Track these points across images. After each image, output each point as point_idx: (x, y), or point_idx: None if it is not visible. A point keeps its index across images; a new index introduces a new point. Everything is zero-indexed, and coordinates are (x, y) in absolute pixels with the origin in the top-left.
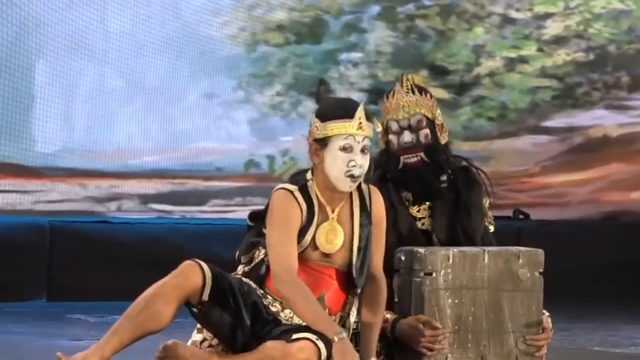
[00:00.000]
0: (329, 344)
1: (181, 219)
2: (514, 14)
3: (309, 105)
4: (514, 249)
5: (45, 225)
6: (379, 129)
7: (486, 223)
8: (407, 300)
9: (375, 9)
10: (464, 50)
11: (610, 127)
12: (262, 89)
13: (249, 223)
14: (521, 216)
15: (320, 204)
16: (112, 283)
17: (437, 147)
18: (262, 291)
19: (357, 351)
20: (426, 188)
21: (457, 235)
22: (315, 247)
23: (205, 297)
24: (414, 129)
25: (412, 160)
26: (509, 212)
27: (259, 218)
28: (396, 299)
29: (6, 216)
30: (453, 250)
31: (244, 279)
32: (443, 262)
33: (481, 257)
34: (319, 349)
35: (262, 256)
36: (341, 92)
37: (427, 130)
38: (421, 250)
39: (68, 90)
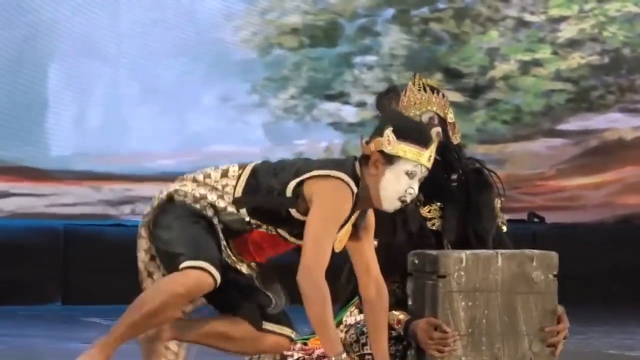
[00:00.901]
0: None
1: None
2: (528, 17)
3: (323, 109)
4: (528, 251)
5: (59, 229)
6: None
7: (499, 223)
8: (420, 303)
9: (390, 12)
10: (479, 54)
11: (625, 130)
12: (276, 92)
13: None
14: (536, 219)
15: (354, 210)
16: (126, 286)
17: (448, 146)
18: (224, 243)
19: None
20: (437, 186)
21: (468, 236)
22: None
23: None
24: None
25: None
26: (523, 216)
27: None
28: (410, 302)
29: (21, 220)
30: (466, 253)
31: (217, 223)
32: (456, 265)
33: (495, 260)
34: (293, 341)
35: (246, 219)
36: (355, 96)
37: (439, 129)
38: (434, 252)
39: (82, 93)
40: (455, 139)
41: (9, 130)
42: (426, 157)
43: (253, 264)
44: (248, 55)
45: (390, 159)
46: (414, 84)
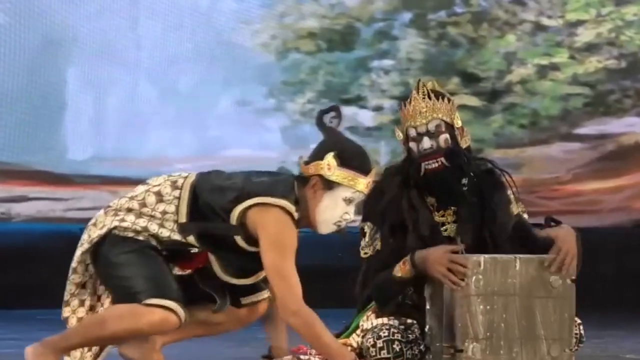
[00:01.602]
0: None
1: None
2: (545, 21)
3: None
4: (546, 255)
5: (76, 233)
6: (400, 136)
7: (520, 211)
8: (438, 307)
9: (407, 16)
10: (496, 58)
11: None
12: (293, 96)
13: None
14: (553, 224)
15: None
16: None
17: (457, 151)
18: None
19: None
20: (449, 193)
21: (484, 238)
22: None
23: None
24: (433, 135)
25: (433, 166)
26: (540, 220)
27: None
28: (428, 306)
29: (39, 224)
30: (484, 257)
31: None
32: (474, 269)
33: (513, 264)
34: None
35: (193, 242)
36: (372, 100)
37: (447, 135)
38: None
39: (100, 98)
40: (465, 142)
41: (27, 135)
42: (364, 184)
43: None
44: (266, 59)
45: (329, 185)
46: (417, 92)
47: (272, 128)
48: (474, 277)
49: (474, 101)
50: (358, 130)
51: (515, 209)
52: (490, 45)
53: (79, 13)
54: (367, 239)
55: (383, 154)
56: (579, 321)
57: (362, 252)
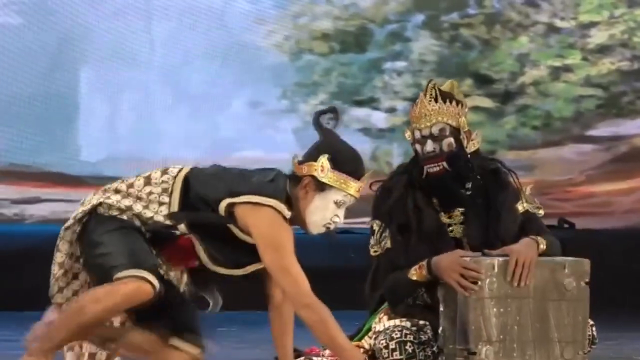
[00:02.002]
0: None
1: None
2: (558, 23)
3: (353, 114)
4: (560, 258)
5: None
6: (409, 137)
7: (533, 210)
8: (452, 309)
9: (420, 17)
10: (509, 59)
11: None
12: (306, 97)
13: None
14: (566, 225)
15: None
16: None
17: (459, 156)
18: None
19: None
20: (449, 196)
21: (491, 239)
22: None
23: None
24: (437, 138)
25: (435, 169)
26: (554, 222)
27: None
28: (441, 308)
29: (52, 225)
30: (498, 259)
31: (145, 232)
32: (488, 271)
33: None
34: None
35: (166, 221)
36: (385, 101)
37: (451, 139)
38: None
39: (113, 98)
40: (473, 146)
41: (41, 136)
42: (356, 188)
43: (183, 272)
44: (279, 60)
45: (321, 186)
46: (425, 94)
47: (284, 129)
48: (487, 280)
49: (486, 103)
50: (371, 131)
51: (522, 207)
52: (503, 46)
53: (93, 14)
54: (376, 236)
55: (396, 155)
56: (591, 322)
57: (371, 250)
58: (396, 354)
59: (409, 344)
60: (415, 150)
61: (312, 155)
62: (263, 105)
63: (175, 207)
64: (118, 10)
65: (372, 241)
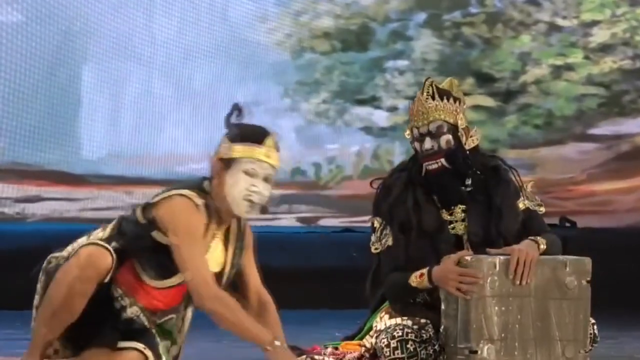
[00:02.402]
0: (157, 353)
1: None
2: (560, 22)
3: (355, 113)
4: (561, 257)
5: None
6: (408, 135)
7: (534, 207)
8: (453, 307)
9: (422, 16)
10: (510, 58)
11: None
12: (308, 96)
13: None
14: (567, 224)
15: (210, 222)
16: None
17: (457, 153)
18: (113, 285)
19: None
20: (449, 193)
21: (492, 236)
22: None
23: (107, 278)
24: (435, 135)
25: (433, 166)
26: (555, 220)
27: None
28: (443, 307)
29: (54, 223)
30: (500, 258)
31: None
32: (489, 270)
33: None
34: (146, 358)
35: (118, 246)
36: (387, 100)
37: (449, 136)
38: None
39: (115, 95)
40: (472, 142)
41: (42, 134)
42: (262, 152)
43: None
44: (281, 58)
45: (228, 164)
46: (422, 92)
47: (286, 128)
48: (489, 279)
49: (488, 101)
50: (372, 130)
51: (523, 204)
52: (504, 45)
53: (95, 9)
54: (377, 234)
55: (397, 154)
56: (592, 321)
57: (372, 248)
58: (398, 353)
59: (410, 342)
60: (415, 149)
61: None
62: (265, 104)
63: (107, 234)
64: (120, 7)
65: (373, 238)
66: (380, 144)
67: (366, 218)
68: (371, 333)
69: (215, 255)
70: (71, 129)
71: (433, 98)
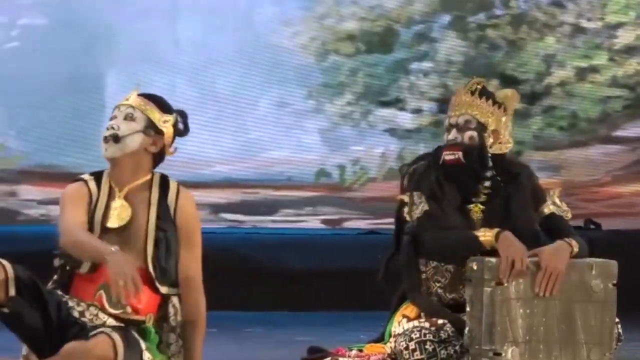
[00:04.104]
0: (124, 336)
1: (252, 229)
2: (585, 24)
3: (379, 115)
4: (587, 260)
5: None
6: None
7: (561, 213)
8: (478, 309)
9: (446, 18)
10: (535, 60)
11: None
12: (332, 98)
13: None
14: (592, 226)
15: (111, 187)
16: None
17: (474, 152)
18: (67, 296)
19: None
20: (461, 187)
21: None
22: (107, 230)
23: (12, 291)
24: (461, 128)
25: (450, 157)
26: (580, 222)
27: None
28: (468, 308)
29: None
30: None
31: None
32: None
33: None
34: (113, 340)
35: (57, 264)
36: (411, 102)
37: (474, 133)
38: (493, 259)
39: None
40: (500, 149)
41: (66, 137)
42: (123, 101)
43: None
44: (305, 61)
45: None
46: (465, 86)
47: (311, 130)
48: (513, 281)
49: None
50: (397, 132)
51: (548, 209)
52: (529, 47)
53: (119, 15)
54: (409, 206)
55: None
56: (616, 320)
57: (408, 217)
58: (417, 354)
59: (428, 343)
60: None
61: None
62: (289, 106)
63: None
64: (144, 11)
65: (406, 210)
66: (404, 146)
67: (391, 220)
68: (390, 338)
69: (116, 212)
70: (95, 132)
71: (472, 94)
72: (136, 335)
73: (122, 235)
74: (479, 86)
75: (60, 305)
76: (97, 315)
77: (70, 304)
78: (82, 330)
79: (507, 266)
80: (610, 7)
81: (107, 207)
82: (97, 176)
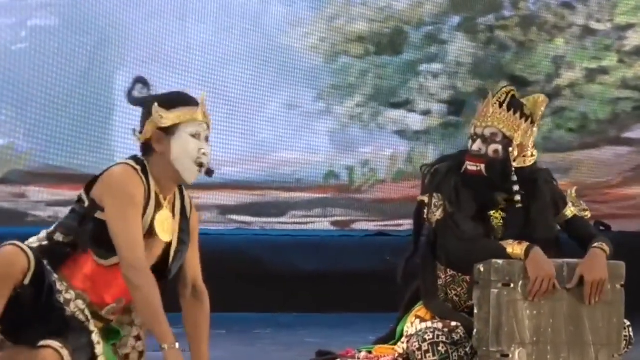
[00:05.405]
0: (75, 353)
1: (260, 231)
2: (594, 25)
3: (389, 116)
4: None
5: None
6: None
7: (580, 213)
8: (485, 311)
9: (456, 20)
10: (545, 61)
11: None
12: (342, 99)
13: (83, 196)
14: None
15: (155, 190)
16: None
17: (496, 166)
18: (56, 275)
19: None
20: (479, 198)
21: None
22: (148, 236)
23: (27, 280)
24: (486, 140)
25: (472, 168)
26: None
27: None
28: (476, 310)
29: None
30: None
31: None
32: (521, 274)
33: (561, 269)
34: (62, 357)
35: (61, 239)
36: (421, 103)
37: (499, 146)
38: (499, 261)
39: None
40: (524, 162)
41: (76, 139)
42: (200, 113)
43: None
44: (315, 62)
45: (170, 130)
46: (494, 96)
47: (320, 131)
48: (520, 282)
49: None
50: (406, 133)
51: (570, 212)
52: (539, 48)
53: (129, 16)
54: (430, 207)
55: (431, 157)
56: (628, 323)
57: (430, 219)
58: (429, 356)
59: (441, 344)
60: (469, 145)
61: (145, 117)
62: (299, 108)
63: (52, 228)
64: (154, 12)
65: (426, 211)
66: (414, 148)
67: (400, 222)
68: (402, 340)
69: (167, 225)
70: (105, 133)
71: (501, 105)
72: (96, 340)
73: (148, 242)
74: (508, 96)
75: (51, 289)
76: (82, 310)
77: (59, 287)
78: (62, 327)
79: (537, 287)
80: (619, 9)
81: (154, 214)
82: (144, 171)
